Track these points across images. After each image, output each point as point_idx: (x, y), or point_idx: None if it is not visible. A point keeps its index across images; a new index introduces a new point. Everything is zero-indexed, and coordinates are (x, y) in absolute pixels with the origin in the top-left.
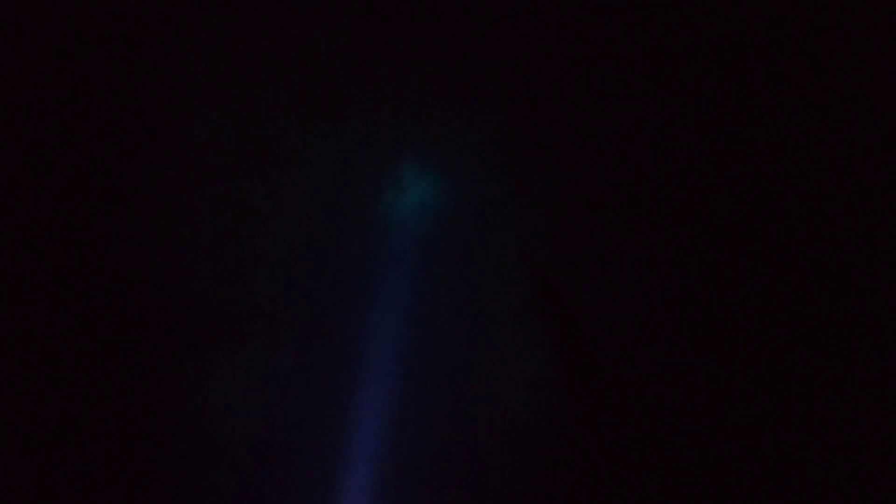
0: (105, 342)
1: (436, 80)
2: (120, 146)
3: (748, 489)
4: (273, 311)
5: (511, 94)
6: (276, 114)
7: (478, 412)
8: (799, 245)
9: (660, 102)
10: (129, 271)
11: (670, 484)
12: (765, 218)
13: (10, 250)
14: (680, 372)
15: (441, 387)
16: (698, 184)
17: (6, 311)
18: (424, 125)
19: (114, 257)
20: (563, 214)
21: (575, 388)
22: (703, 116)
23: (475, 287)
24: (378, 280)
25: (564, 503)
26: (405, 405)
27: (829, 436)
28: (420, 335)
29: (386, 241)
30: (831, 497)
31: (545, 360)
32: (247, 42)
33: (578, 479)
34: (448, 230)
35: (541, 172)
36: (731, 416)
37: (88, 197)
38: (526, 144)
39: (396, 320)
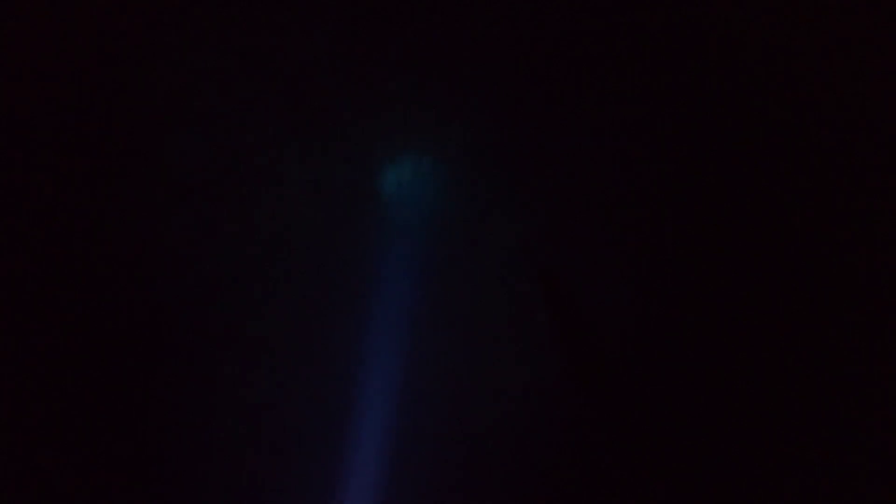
0: (68, 363)
1: (428, 79)
2: (90, 165)
3: (751, 489)
4: (255, 333)
5: (509, 93)
6: (254, 127)
7: (479, 416)
8: (801, 243)
9: (662, 100)
10: (99, 292)
11: (673, 484)
12: (768, 215)
13: None
14: (683, 369)
15: (442, 391)
16: (701, 181)
17: None
18: (417, 125)
19: (83, 278)
20: (564, 213)
21: (579, 386)
22: (707, 115)
23: (474, 292)
24: (370, 292)
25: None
26: (403, 414)
27: (831, 435)
28: (417, 344)
29: (380, 250)
30: (832, 497)
31: (547, 361)
32: (220, 53)
33: (581, 480)
34: (443, 236)
35: (540, 172)
36: (736, 415)
37: (57, 218)
38: (524, 144)
39: (390, 332)
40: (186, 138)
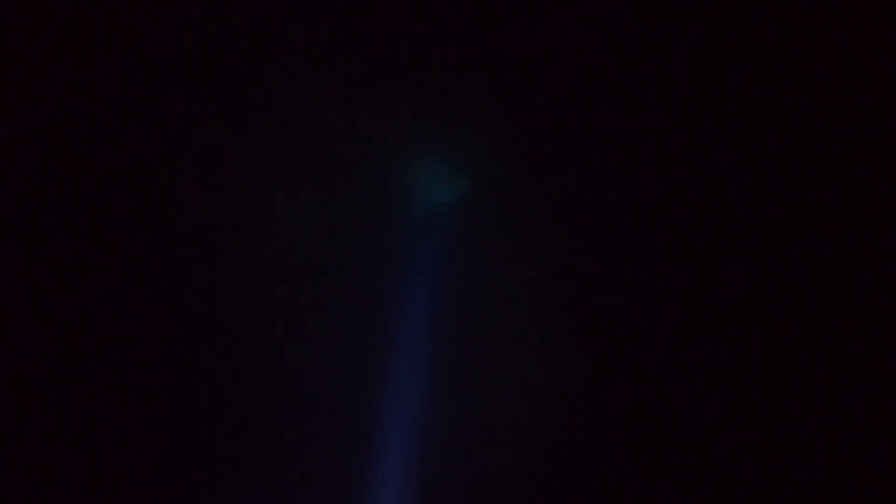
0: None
1: (440, 81)
2: (96, 166)
3: (778, 493)
4: (273, 337)
5: (523, 98)
6: (260, 127)
7: (502, 420)
8: (830, 251)
9: (681, 108)
10: (117, 297)
11: (695, 487)
12: (793, 220)
13: None
14: (705, 376)
15: (464, 397)
16: (725, 190)
17: None
18: (429, 127)
19: (101, 283)
20: (583, 218)
21: (601, 391)
22: (729, 120)
23: (492, 296)
24: (387, 296)
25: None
26: (426, 419)
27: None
28: (437, 349)
29: (397, 252)
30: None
31: (569, 365)
32: (224, 48)
33: (605, 484)
34: (460, 238)
35: (557, 176)
36: (759, 424)
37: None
38: (540, 147)
39: (409, 337)
40: (192, 134)
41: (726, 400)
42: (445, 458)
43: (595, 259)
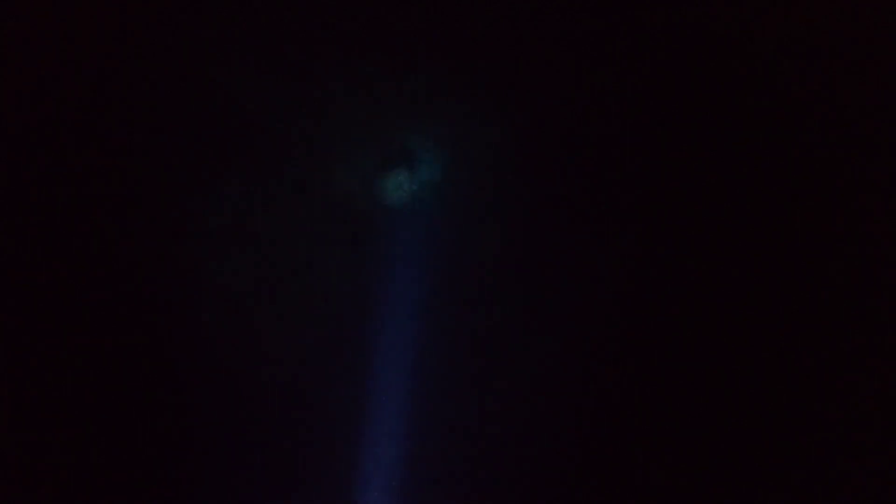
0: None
1: (422, 79)
2: (96, 166)
3: (755, 487)
4: (266, 334)
5: (507, 94)
6: (258, 125)
7: (487, 415)
8: (807, 243)
9: (677, 102)
10: (114, 296)
11: (679, 483)
12: (771, 215)
13: None
14: (685, 367)
15: (449, 393)
16: (705, 181)
17: None
18: (416, 126)
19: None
20: (564, 209)
21: (585, 388)
22: (713, 116)
23: (476, 290)
24: (375, 292)
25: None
26: (410, 414)
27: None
28: (422, 344)
29: (383, 251)
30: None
31: (552, 359)
32: (227, 43)
33: (587, 477)
34: (444, 235)
35: (537, 169)
36: (758, 424)
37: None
38: (524, 142)
39: (396, 332)
40: (188, 134)
41: (723, 399)
42: (434, 454)
43: (590, 255)
